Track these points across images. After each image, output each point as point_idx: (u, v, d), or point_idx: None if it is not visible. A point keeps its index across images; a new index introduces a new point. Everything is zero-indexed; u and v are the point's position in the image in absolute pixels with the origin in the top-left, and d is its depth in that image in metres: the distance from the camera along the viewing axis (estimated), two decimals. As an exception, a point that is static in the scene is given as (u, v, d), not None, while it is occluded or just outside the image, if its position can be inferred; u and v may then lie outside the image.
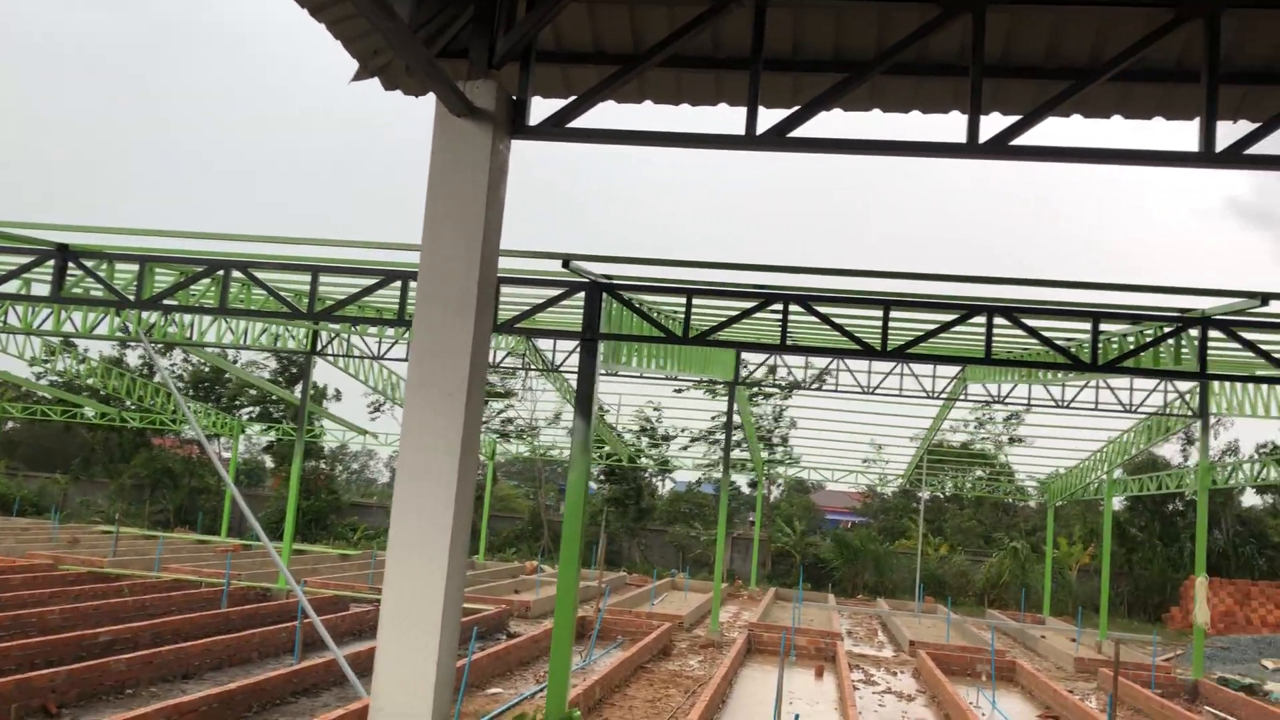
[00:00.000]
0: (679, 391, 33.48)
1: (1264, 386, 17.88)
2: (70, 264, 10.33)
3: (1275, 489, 39.22)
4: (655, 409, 37.64)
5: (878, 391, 19.62)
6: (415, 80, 6.58)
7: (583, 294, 8.70)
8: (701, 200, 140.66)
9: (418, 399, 5.70)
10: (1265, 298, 7.99)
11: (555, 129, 6.03)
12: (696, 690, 14.79)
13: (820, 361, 19.56)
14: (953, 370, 19.60)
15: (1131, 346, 9.76)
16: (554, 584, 23.20)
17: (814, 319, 9.16)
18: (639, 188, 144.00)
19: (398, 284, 9.85)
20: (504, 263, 9.58)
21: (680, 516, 43.31)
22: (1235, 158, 5.43)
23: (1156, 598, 37.66)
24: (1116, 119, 6.45)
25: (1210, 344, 9.20)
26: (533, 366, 20.55)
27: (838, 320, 9.22)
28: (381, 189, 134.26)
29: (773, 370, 22.75)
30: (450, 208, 5.84)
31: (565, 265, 8.54)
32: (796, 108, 5.79)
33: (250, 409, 42.46)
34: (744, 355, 20.86)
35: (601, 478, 42.38)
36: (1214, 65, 5.41)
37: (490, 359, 20.81)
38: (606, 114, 6.28)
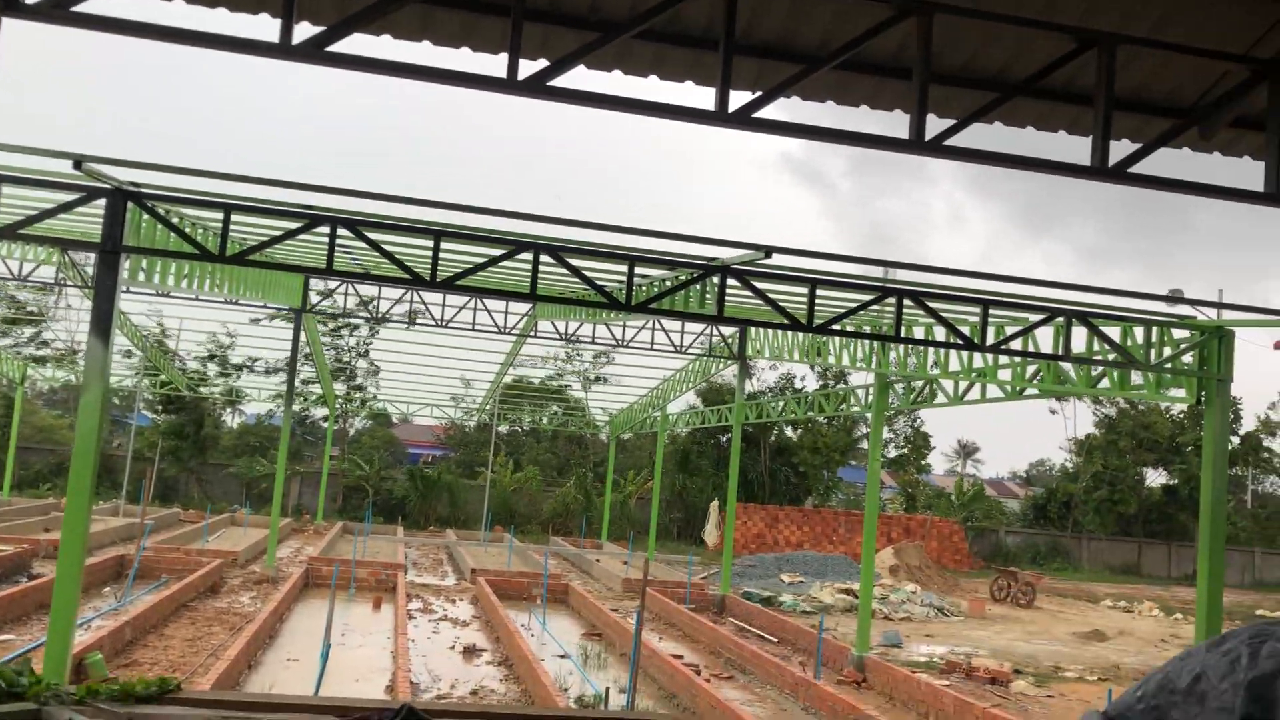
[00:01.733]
0: (256, 321, 31.65)
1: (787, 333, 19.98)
2: None
3: (804, 424, 44.47)
4: (229, 335, 35.36)
5: (451, 325, 19.69)
6: None
7: (104, 201, 7.81)
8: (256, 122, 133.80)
9: None
10: (769, 251, 8.94)
11: (55, 10, 5.28)
12: (243, 627, 14.18)
13: (391, 293, 19.24)
14: (524, 307, 20.11)
15: (667, 288, 10.52)
16: (95, 521, 21.08)
17: (366, 246, 8.90)
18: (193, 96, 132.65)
19: None
20: (11, 160, 8.39)
21: (249, 449, 41.20)
22: (745, 119, 5.92)
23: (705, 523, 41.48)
24: (653, 78, 6.81)
25: (738, 290, 10.14)
26: (69, 282, 18.42)
27: (388, 248, 9.05)
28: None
29: (364, 304, 22.13)
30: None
31: (77, 167, 7.60)
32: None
33: None
34: (316, 284, 20.04)
35: (159, 408, 39.21)
36: (730, 37, 5.85)
37: (20, 271, 18.47)
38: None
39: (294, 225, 8.57)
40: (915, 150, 6.32)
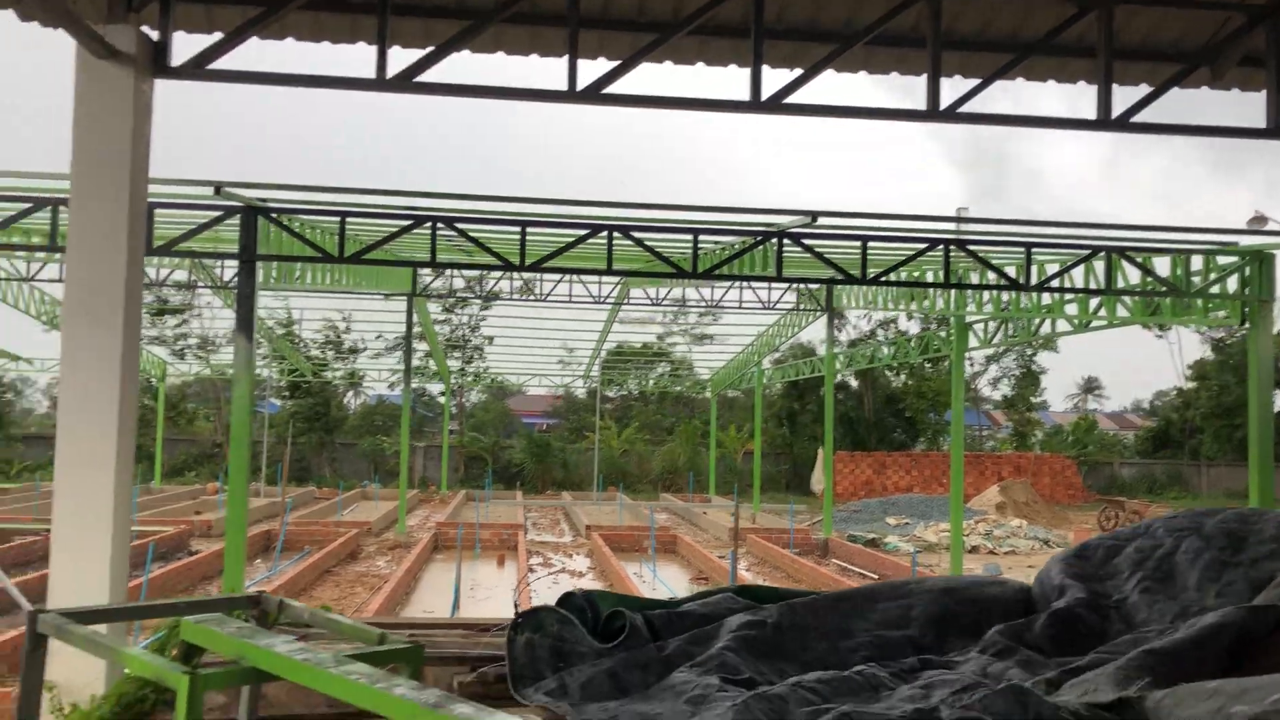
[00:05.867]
0: (351, 311, 33.65)
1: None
2: None
3: (909, 369, 44.76)
4: (344, 319, 37.49)
5: (550, 298, 20.91)
6: (50, 17, 6.77)
7: (238, 218, 9.11)
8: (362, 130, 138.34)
9: (75, 322, 6.14)
10: (814, 215, 9.79)
11: (196, 70, 6.50)
12: (381, 586, 15.69)
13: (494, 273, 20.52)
14: (615, 279, 21.21)
15: (734, 253, 11.43)
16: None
17: (462, 237, 10.05)
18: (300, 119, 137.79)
19: (48, 210, 9.75)
20: (164, 189, 9.75)
21: (373, 429, 43.52)
22: (776, 105, 6.82)
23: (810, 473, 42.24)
24: (700, 65, 7.73)
25: (798, 251, 11.01)
26: (201, 283, 20.19)
27: (482, 239, 10.20)
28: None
29: (470, 285, 23.56)
30: (97, 146, 6.23)
31: (216, 192, 8.91)
32: (430, 49, 6.61)
33: None
34: (424, 271, 21.48)
35: (287, 394, 41.67)
36: (759, 24, 6.74)
37: (158, 276, 20.31)
38: (257, 54, 6.79)
39: (401, 225, 9.77)
40: (933, 119, 7.12)
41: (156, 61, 6.45)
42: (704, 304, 21.66)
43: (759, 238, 10.54)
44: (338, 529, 21.34)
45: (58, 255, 18.27)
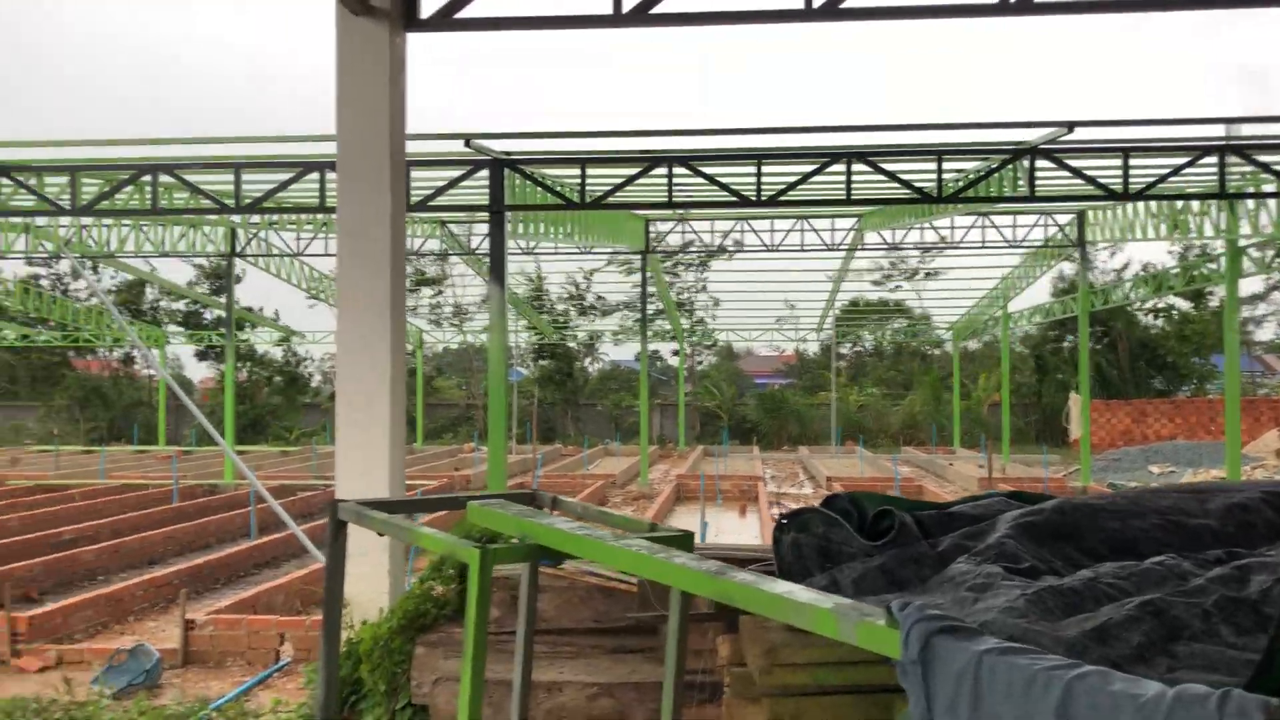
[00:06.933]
0: (594, 269, 34.61)
1: (1139, 207, 19.19)
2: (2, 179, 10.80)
3: (1169, 313, 41.67)
4: (585, 276, 38.82)
5: (781, 248, 20.74)
6: (313, -20, 7.22)
7: (486, 171, 9.50)
8: (592, 74, 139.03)
9: (348, 267, 6.57)
10: (1070, 125, 9.10)
11: (444, 20, 6.77)
12: (629, 533, 16.13)
13: (723, 226, 20.54)
14: (848, 224, 20.78)
15: (977, 177, 10.84)
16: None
17: (701, 180, 10.07)
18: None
19: (316, 176, 10.52)
20: (411, 145, 10.27)
21: (611, 391, 44.77)
22: (832, 11, 6.42)
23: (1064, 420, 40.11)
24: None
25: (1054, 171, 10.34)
26: (451, 251, 21.25)
27: (718, 177, 10.16)
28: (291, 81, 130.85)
29: (687, 244, 23.72)
30: (358, 99, 6.61)
31: (467, 144, 9.30)
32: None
33: (175, 327, 42.39)
34: (655, 228, 21.77)
35: (532, 356, 43.48)
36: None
37: (412, 246, 21.56)
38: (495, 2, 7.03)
39: (636, 170, 9.91)
40: (1010, 13, 6.50)
41: (408, 15, 6.76)
42: (943, 244, 20.87)
43: (1008, 156, 9.97)
44: (585, 481, 22.08)
45: (321, 233, 19.73)
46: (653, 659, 5.51)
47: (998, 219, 20.66)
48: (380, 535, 5.27)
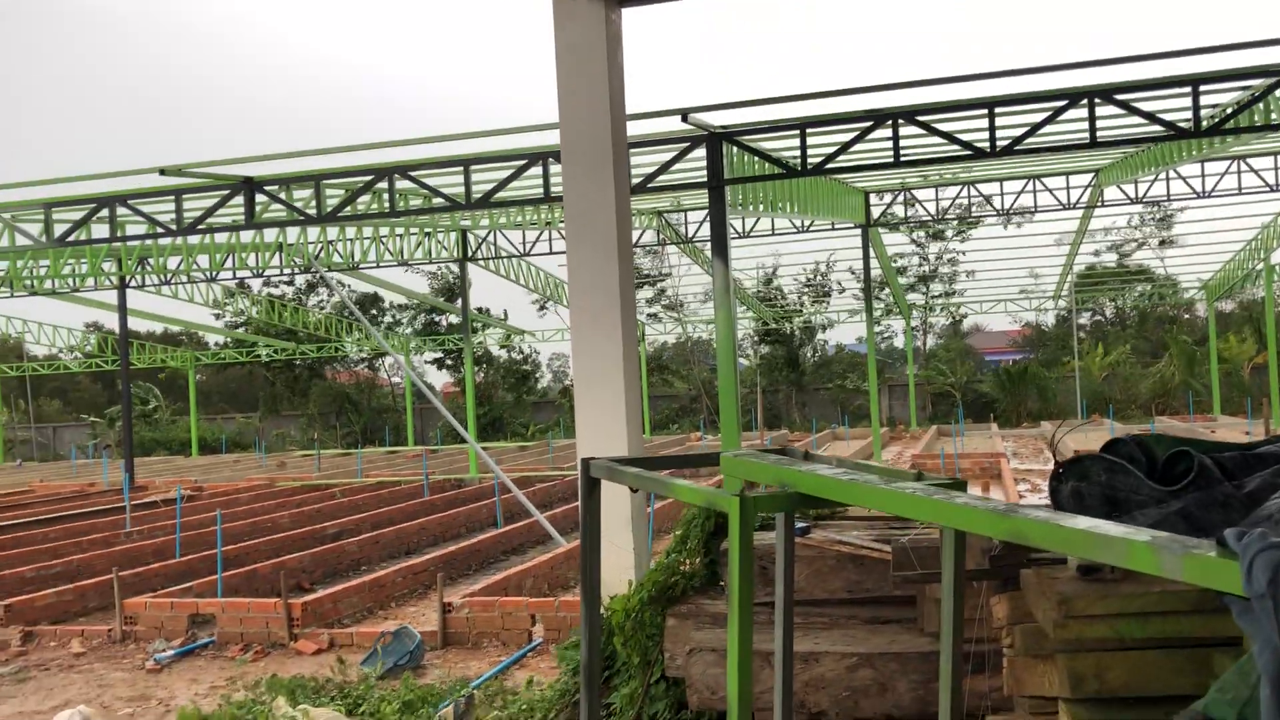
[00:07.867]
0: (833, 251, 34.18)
1: None
2: (256, 194, 11.67)
3: None
4: (828, 261, 38.50)
5: (1013, 212, 19.73)
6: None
7: (703, 148, 9.42)
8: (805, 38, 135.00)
9: (577, 249, 6.62)
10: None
11: (655, -9, 6.73)
12: (867, 513, 15.73)
13: (949, 192, 19.71)
14: (1084, 180, 19.51)
15: (1240, 105, 9.75)
16: (717, 446, 24.35)
17: (924, 140, 9.60)
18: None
19: (538, 169, 10.75)
20: (633, 126, 10.32)
21: (836, 375, 44.05)
22: None
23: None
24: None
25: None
26: (669, 240, 21.38)
27: (945, 128, 9.65)
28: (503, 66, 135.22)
29: (909, 208, 22.93)
30: (577, 79, 6.65)
31: (684, 119, 9.25)
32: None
33: (415, 335, 44.88)
34: (873, 198, 21.13)
35: (756, 339, 43.36)
36: None
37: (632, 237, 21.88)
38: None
39: (857, 132, 9.56)
40: None
41: (621, -9, 6.75)
42: (1193, 195, 19.26)
43: (1277, 80, 8.93)
44: (816, 464, 21.76)
45: (546, 231, 20.26)
46: (911, 629, 5.25)
47: (1255, 161, 18.88)
48: (633, 491, 5.25)
